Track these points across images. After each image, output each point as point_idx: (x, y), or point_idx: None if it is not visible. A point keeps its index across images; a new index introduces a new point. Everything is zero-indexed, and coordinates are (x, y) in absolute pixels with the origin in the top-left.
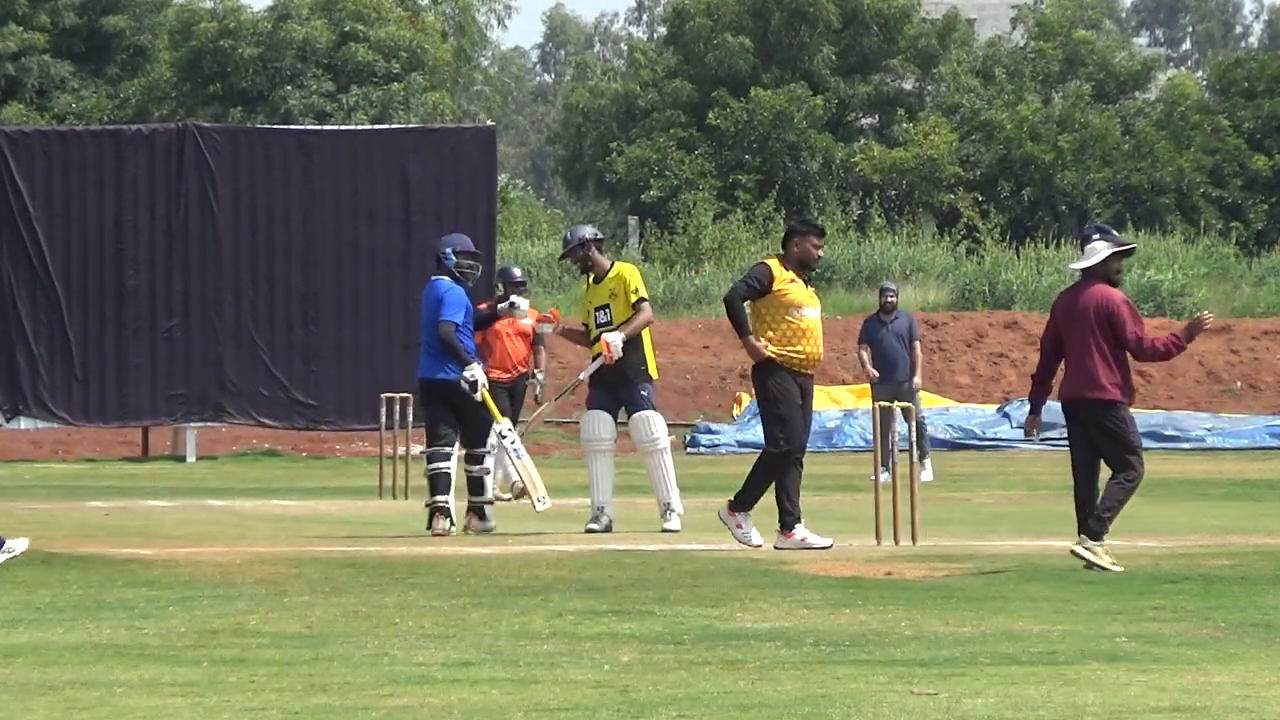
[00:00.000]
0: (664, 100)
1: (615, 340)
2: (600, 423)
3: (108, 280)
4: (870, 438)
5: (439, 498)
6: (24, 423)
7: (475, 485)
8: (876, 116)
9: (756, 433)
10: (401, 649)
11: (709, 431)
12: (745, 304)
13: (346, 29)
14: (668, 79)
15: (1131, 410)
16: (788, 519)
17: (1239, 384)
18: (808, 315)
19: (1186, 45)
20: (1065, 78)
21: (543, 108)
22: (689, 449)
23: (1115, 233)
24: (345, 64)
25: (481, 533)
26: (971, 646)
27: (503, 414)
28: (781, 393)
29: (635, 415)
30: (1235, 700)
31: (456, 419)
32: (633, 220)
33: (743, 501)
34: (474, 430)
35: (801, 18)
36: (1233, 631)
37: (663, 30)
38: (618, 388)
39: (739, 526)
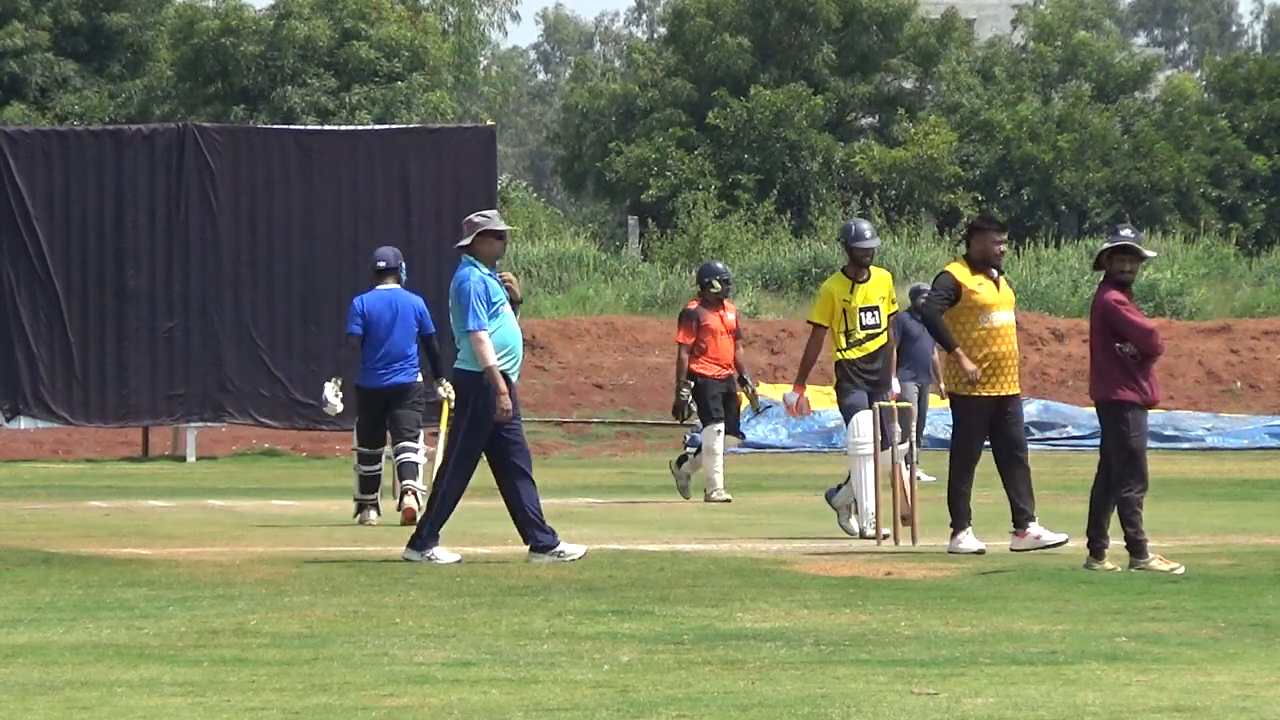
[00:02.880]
0: (664, 100)
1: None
2: (868, 423)
3: (108, 280)
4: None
5: (367, 496)
6: (24, 423)
7: (407, 470)
8: (876, 116)
9: (757, 433)
10: (401, 649)
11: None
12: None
13: (348, 27)
14: (667, 78)
15: (1150, 413)
16: (1021, 517)
17: (1239, 384)
18: (997, 319)
19: (1184, 46)
20: (1065, 78)
21: (541, 107)
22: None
23: (1124, 232)
24: (347, 63)
25: (417, 511)
26: (971, 646)
27: (717, 412)
28: (967, 430)
29: (858, 415)
30: (1235, 700)
31: (391, 420)
32: (633, 220)
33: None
34: (406, 425)
35: (801, 17)
36: (1233, 631)
37: (662, 30)
38: (878, 387)
39: (1037, 537)
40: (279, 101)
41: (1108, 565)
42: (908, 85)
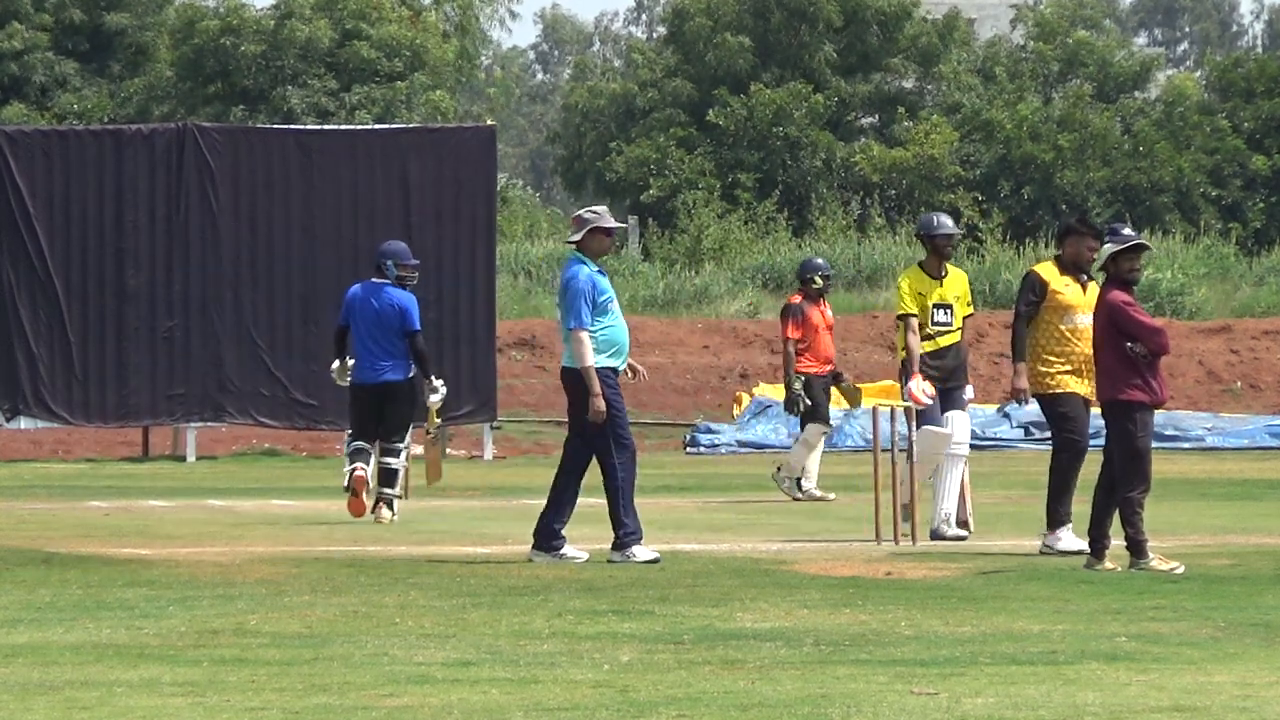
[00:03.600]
0: (664, 99)
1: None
2: (964, 424)
3: (108, 280)
4: (870, 438)
5: (357, 465)
6: (24, 423)
7: (386, 476)
8: (877, 116)
9: (757, 433)
10: (401, 649)
11: (709, 431)
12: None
13: (348, 28)
14: (667, 78)
15: (1156, 414)
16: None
17: (1239, 384)
18: (1080, 321)
19: (1184, 46)
20: (1065, 78)
21: (541, 107)
22: (689, 449)
23: (1125, 231)
24: (347, 63)
25: (389, 522)
26: (971, 646)
27: (820, 409)
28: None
29: (952, 414)
30: (1235, 700)
31: (381, 417)
32: (633, 220)
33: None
34: (394, 425)
35: (802, 17)
36: (1233, 631)
37: (662, 30)
38: (945, 383)
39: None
40: (279, 102)
41: (1108, 565)
42: (908, 85)
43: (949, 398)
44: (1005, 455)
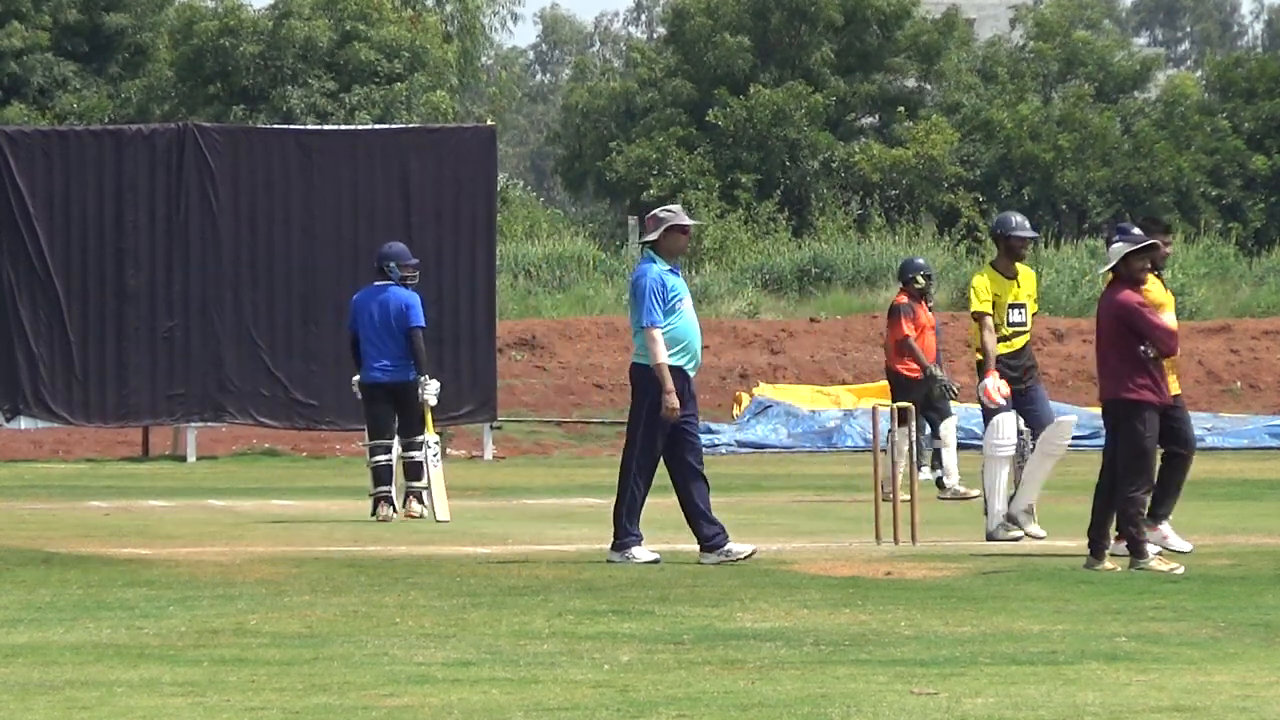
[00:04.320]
0: (664, 99)
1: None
2: (1012, 425)
3: (108, 280)
4: (870, 438)
5: (382, 488)
6: (24, 423)
7: (413, 470)
8: (877, 116)
9: (757, 433)
10: (401, 649)
11: (709, 431)
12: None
13: (348, 28)
14: (667, 78)
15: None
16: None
17: (1239, 384)
18: (1167, 320)
19: (1185, 46)
20: (1065, 77)
21: (541, 107)
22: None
23: (1135, 231)
24: (347, 63)
25: (420, 516)
26: (971, 646)
27: (941, 405)
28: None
29: (1065, 417)
30: (1235, 700)
31: (397, 415)
32: (633, 220)
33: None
34: (413, 421)
35: (802, 16)
36: (1233, 631)
37: (661, 30)
38: (1029, 388)
39: (1165, 537)
40: (278, 102)
41: (1108, 565)
42: (908, 84)
43: (1028, 396)
44: None
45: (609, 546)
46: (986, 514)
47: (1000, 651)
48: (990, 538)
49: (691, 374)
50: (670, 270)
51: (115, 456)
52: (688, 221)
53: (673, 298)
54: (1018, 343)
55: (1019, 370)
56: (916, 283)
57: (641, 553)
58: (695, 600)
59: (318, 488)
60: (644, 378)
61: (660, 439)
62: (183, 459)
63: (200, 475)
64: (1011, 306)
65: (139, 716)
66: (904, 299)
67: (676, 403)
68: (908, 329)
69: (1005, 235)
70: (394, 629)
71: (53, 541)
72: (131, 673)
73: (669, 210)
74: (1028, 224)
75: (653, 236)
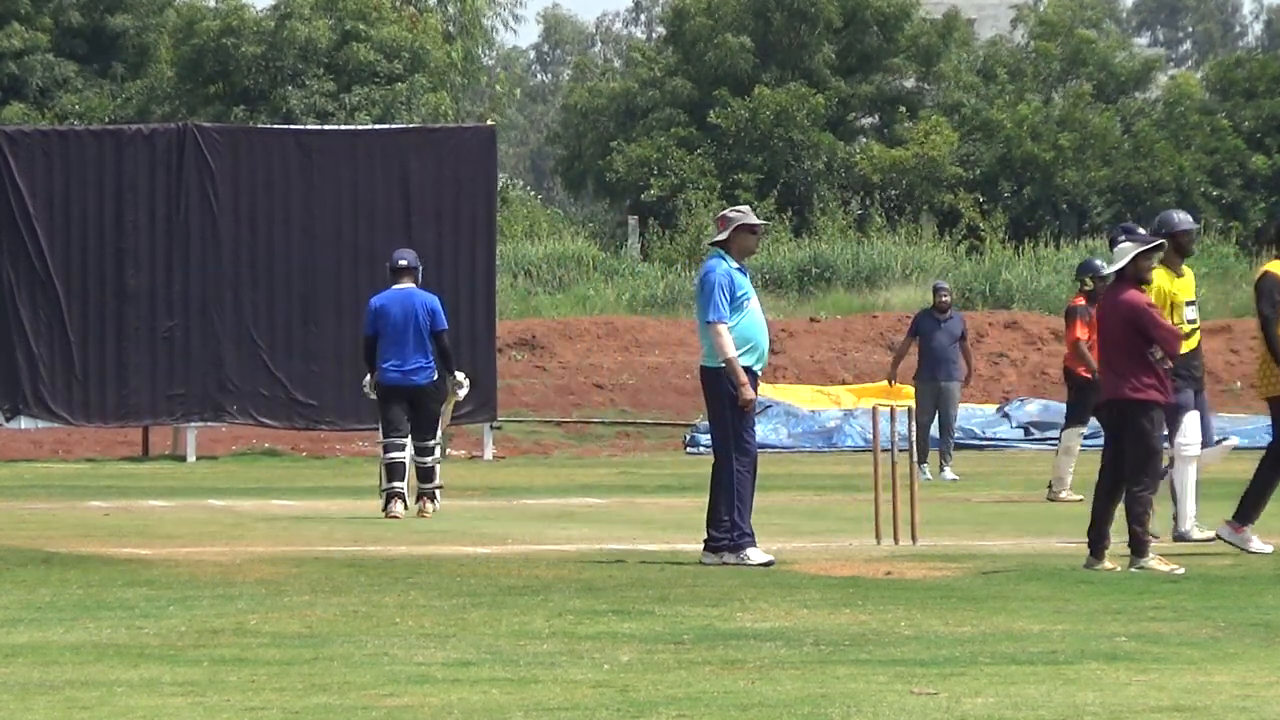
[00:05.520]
0: (664, 99)
1: None
2: (1197, 425)
3: (108, 280)
4: (870, 438)
5: (395, 484)
6: (24, 423)
7: (425, 474)
8: (877, 116)
9: (757, 433)
10: (401, 649)
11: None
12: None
13: (348, 28)
14: (667, 78)
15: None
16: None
17: (1239, 384)
18: (1186, 311)
19: (1186, 46)
20: (1066, 77)
21: (541, 107)
22: (689, 449)
23: (1141, 231)
24: (347, 64)
25: (433, 514)
26: (971, 646)
27: (1084, 414)
28: None
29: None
30: (1235, 700)
31: (412, 414)
32: (633, 220)
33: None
34: (426, 424)
35: (802, 17)
36: (1233, 631)
37: (661, 30)
38: (1200, 384)
39: (1249, 541)
40: (279, 102)
41: (1108, 565)
42: (909, 85)
43: (1198, 401)
44: (1005, 455)
45: (713, 548)
46: (1175, 516)
47: (1000, 651)
48: (1181, 538)
49: (759, 372)
50: (739, 269)
51: (115, 456)
52: (756, 221)
53: (740, 295)
54: (1192, 342)
55: (1197, 369)
56: (1086, 284)
57: (756, 554)
58: (695, 600)
59: (318, 488)
60: (715, 380)
61: (751, 430)
62: (183, 459)
63: (200, 475)
64: (1187, 304)
65: (139, 716)
66: (1081, 301)
67: (752, 394)
68: (1081, 331)
69: (1171, 233)
70: (394, 629)
71: (53, 541)
72: (131, 673)
73: (738, 210)
74: (1189, 217)
75: (722, 236)
